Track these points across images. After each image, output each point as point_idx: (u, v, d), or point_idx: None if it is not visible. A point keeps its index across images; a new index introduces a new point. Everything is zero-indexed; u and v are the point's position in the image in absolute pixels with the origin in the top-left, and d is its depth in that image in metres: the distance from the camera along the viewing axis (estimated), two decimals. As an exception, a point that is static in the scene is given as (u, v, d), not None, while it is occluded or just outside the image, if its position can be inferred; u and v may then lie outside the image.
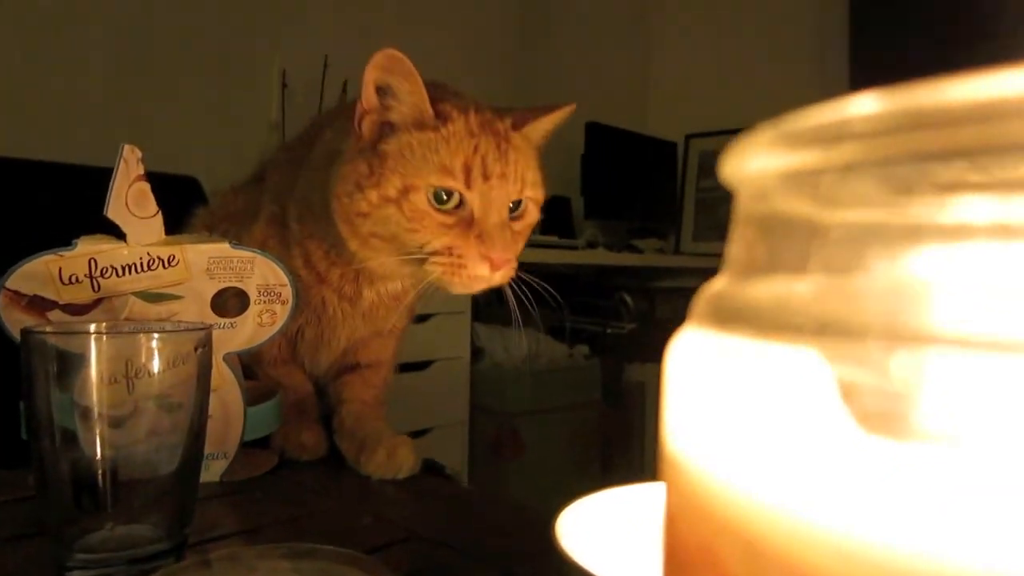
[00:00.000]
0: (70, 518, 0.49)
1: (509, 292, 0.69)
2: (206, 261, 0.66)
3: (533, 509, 0.59)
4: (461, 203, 0.66)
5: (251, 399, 0.70)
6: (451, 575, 0.52)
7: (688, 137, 3.01)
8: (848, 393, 0.14)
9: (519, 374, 2.18)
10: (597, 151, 2.69)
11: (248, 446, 0.70)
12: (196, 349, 0.52)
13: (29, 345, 0.48)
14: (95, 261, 0.62)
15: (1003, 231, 0.13)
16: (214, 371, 0.59)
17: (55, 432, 0.48)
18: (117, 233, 0.63)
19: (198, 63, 2.05)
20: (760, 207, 0.17)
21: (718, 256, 0.19)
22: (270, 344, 0.73)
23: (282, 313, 0.69)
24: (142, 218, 0.63)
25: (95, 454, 0.49)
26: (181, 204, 0.82)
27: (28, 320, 0.60)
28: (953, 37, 2.12)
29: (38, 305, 0.61)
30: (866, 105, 0.12)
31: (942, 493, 0.13)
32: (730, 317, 0.16)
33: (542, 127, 0.73)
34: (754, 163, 0.16)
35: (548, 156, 0.74)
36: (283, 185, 0.78)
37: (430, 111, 0.66)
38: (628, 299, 2.59)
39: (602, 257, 2.53)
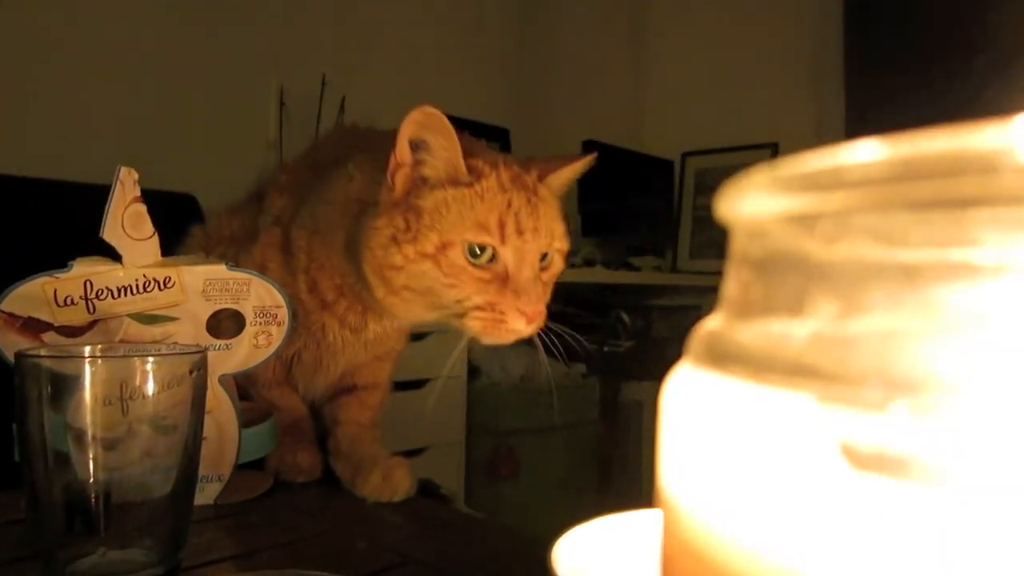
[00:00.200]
0: (62, 542, 0.48)
1: (539, 342, 0.70)
2: (202, 283, 0.66)
3: (530, 535, 0.59)
4: (493, 257, 0.67)
5: (245, 421, 0.70)
6: (446, 601, 0.52)
7: (684, 155, 3.02)
8: (844, 438, 0.14)
9: (516, 393, 2.17)
10: (594, 169, 2.69)
11: (242, 468, 0.69)
12: (191, 372, 0.52)
13: (22, 368, 0.48)
14: (91, 283, 0.62)
15: (1001, 271, 0.13)
16: (209, 393, 0.58)
17: (48, 454, 0.48)
18: (113, 254, 0.63)
19: (196, 80, 2.05)
20: (756, 247, 0.17)
21: (715, 274, 0.19)
22: (265, 366, 0.73)
23: (278, 335, 0.68)
24: (138, 240, 0.63)
25: (88, 476, 0.48)
26: (178, 221, 0.82)
27: (22, 342, 0.60)
28: (946, 62, 2.14)
29: (33, 327, 0.61)
30: (863, 153, 0.12)
31: (938, 538, 0.13)
32: (726, 357, 0.16)
33: (564, 177, 0.74)
34: (750, 204, 0.16)
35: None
36: (286, 209, 0.78)
37: (463, 167, 0.67)
38: (625, 317, 2.58)
39: (599, 275, 2.53)
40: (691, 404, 0.17)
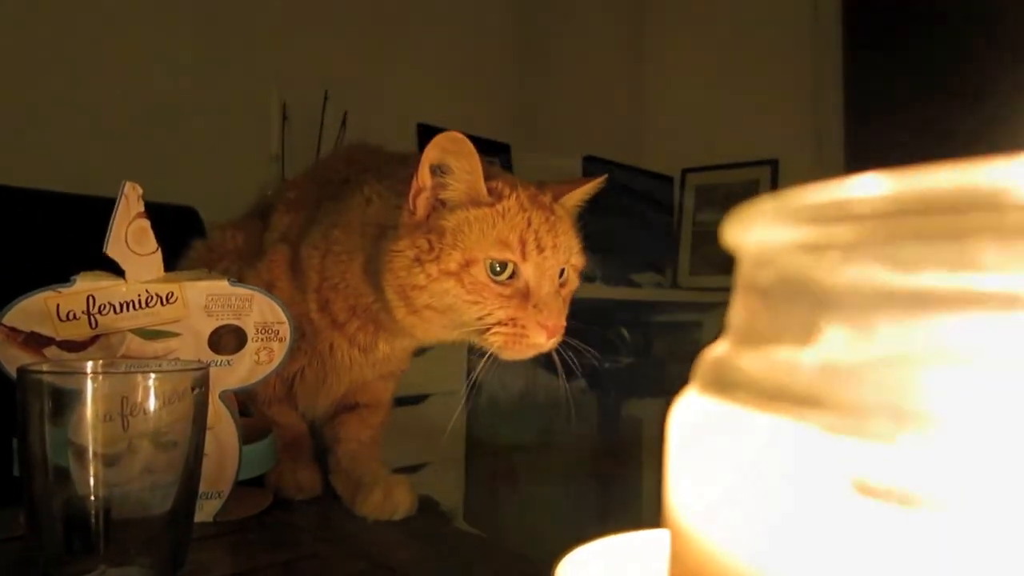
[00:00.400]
0: (62, 559, 0.48)
1: (556, 357, 0.72)
2: (204, 298, 0.66)
3: (532, 556, 0.59)
4: (514, 274, 0.69)
5: (245, 437, 0.69)
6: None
7: (685, 171, 3.02)
8: (852, 468, 0.14)
9: (516, 408, 2.17)
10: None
11: (242, 485, 0.69)
12: (193, 388, 0.52)
13: (25, 384, 0.48)
14: (93, 298, 0.62)
15: (1011, 302, 0.13)
16: (209, 409, 0.58)
17: (48, 469, 0.48)
18: (115, 269, 0.63)
19: (198, 93, 2.06)
20: (763, 274, 0.17)
21: (715, 290, 0.19)
22: (266, 382, 0.73)
23: (279, 351, 0.68)
24: (141, 255, 0.63)
25: (88, 492, 0.48)
26: (179, 234, 0.82)
27: (24, 356, 0.60)
28: (945, 78, 2.15)
29: (35, 342, 0.61)
30: (868, 187, 0.13)
31: (946, 568, 0.13)
32: (733, 385, 0.16)
33: (577, 198, 0.78)
34: (757, 233, 0.16)
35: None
36: (293, 227, 0.79)
37: (484, 188, 0.69)
38: (625, 333, 2.58)
39: (600, 291, 2.53)
40: (698, 431, 0.17)
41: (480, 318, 0.68)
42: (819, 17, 2.73)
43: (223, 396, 0.67)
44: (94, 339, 0.63)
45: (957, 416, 0.13)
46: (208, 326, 0.66)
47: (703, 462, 0.17)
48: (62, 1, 1.86)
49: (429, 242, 0.68)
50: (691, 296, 2.75)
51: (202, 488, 0.60)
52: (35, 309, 0.61)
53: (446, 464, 2.07)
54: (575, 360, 0.72)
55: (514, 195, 0.70)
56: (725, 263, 0.19)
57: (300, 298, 0.76)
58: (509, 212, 0.69)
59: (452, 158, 0.68)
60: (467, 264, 0.67)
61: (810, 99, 2.75)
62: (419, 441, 1.94)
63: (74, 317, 0.62)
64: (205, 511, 0.65)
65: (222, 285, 0.67)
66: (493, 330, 0.68)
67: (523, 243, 0.68)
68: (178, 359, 0.64)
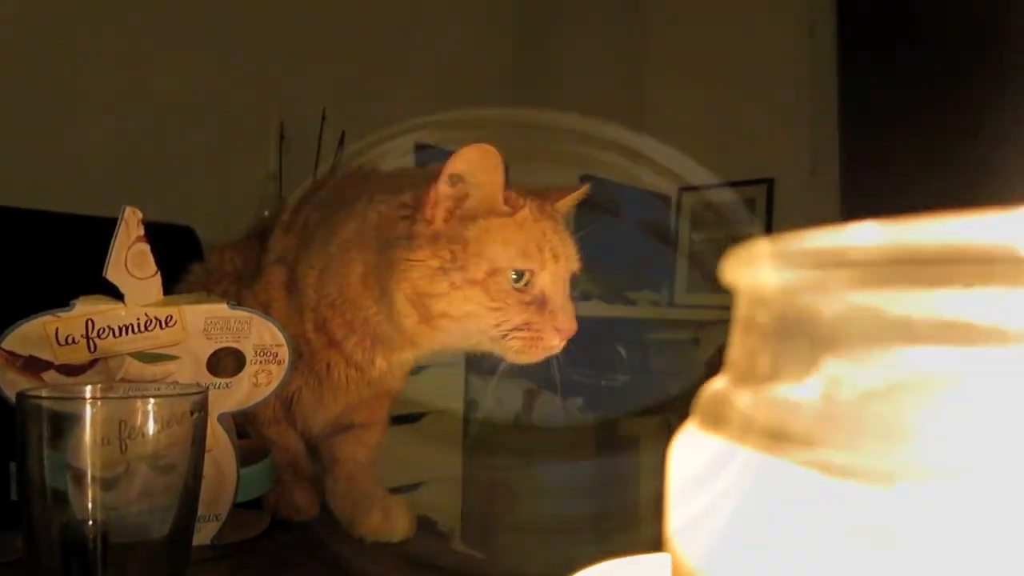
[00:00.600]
0: (59, 585, 0.48)
1: (556, 375, 0.76)
2: (203, 321, 0.66)
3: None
4: (530, 281, 0.71)
5: (242, 459, 0.69)
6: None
7: (681, 190, 3.04)
8: (850, 511, 0.14)
9: (512, 427, 2.16)
10: (590, 203, 2.71)
11: (239, 506, 0.69)
12: (192, 412, 0.52)
13: (23, 409, 0.48)
14: (92, 322, 0.62)
15: (1001, 336, 0.14)
16: (208, 431, 0.58)
17: (47, 493, 0.48)
18: (114, 291, 0.63)
19: (196, 112, 2.07)
20: (761, 314, 0.17)
21: (711, 308, 0.19)
22: (265, 404, 0.73)
23: (278, 373, 0.69)
24: (141, 279, 0.63)
25: (87, 517, 0.48)
26: (176, 254, 0.82)
27: (22, 381, 0.60)
28: (941, 99, 2.16)
29: (33, 366, 0.61)
30: (863, 237, 0.13)
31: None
32: (731, 423, 0.17)
33: (569, 203, 0.81)
34: (754, 275, 0.16)
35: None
36: (291, 249, 0.79)
37: (502, 199, 0.71)
38: (622, 351, 2.58)
39: (597, 309, 2.53)
40: (698, 468, 0.17)
41: (498, 324, 0.70)
42: (816, 39, 2.75)
43: (221, 419, 0.67)
44: (93, 363, 0.63)
45: (958, 460, 0.13)
46: (207, 349, 0.66)
47: (703, 498, 0.17)
48: (60, 21, 1.87)
49: (451, 252, 0.70)
50: (688, 314, 2.75)
51: (200, 511, 0.60)
52: (34, 333, 0.61)
53: (443, 482, 2.07)
54: (573, 378, 0.75)
55: (528, 206, 0.73)
56: (722, 283, 0.19)
57: (297, 318, 0.76)
58: (527, 222, 0.72)
59: (475, 169, 0.70)
60: (493, 272, 0.69)
61: (806, 120, 2.76)
62: (416, 459, 1.93)
63: (73, 341, 0.62)
64: (202, 534, 0.65)
65: (221, 308, 0.67)
66: (510, 336, 0.71)
67: (541, 252, 0.71)
68: (177, 382, 0.64)
